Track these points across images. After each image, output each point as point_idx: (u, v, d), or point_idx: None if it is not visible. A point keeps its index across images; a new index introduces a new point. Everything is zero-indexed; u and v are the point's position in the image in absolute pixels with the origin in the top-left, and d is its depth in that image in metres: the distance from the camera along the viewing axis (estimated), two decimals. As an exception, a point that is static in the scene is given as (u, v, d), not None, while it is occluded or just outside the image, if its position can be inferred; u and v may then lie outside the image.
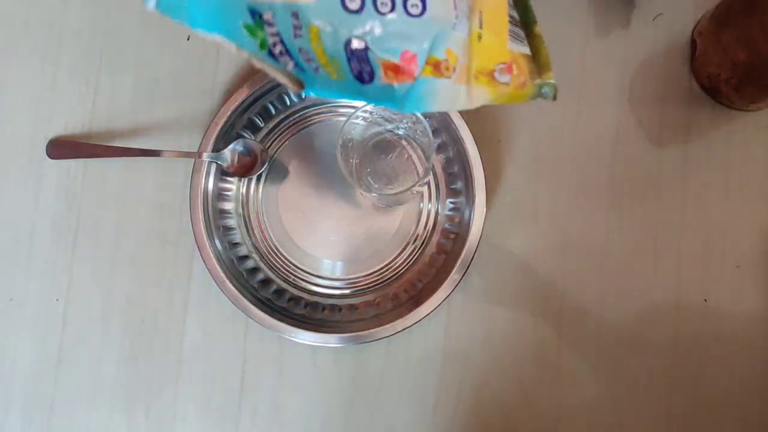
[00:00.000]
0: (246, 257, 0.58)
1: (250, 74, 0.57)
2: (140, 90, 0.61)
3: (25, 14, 0.62)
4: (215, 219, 0.57)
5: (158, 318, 0.58)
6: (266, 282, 0.58)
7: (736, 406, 0.55)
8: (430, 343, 0.56)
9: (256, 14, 0.33)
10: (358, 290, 0.58)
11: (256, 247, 0.58)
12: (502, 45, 0.38)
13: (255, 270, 0.58)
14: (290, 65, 0.35)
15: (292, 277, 0.58)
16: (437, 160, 0.58)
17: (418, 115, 0.51)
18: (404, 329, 0.53)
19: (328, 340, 0.54)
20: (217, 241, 0.56)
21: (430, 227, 0.58)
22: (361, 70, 0.35)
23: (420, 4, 0.35)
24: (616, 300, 0.56)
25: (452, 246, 0.56)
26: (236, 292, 0.54)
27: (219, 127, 0.56)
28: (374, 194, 0.54)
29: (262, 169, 0.57)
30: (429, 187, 0.58)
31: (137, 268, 0.59)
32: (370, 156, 0.58)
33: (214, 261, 0.55)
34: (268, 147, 0.59)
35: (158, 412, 0.57)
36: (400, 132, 0.58)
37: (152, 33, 0.61)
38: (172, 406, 0.57)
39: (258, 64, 0.34)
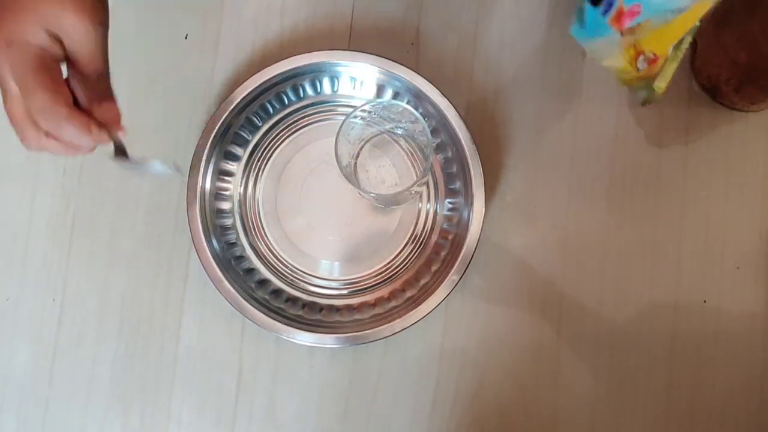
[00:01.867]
0: (243, 257, 0.58)
1: (248, 73, 0.57)
2: (137, 89, 0.60)
3: (23, 12, 0.62)
4: (212, 218, 0.57)
5: (154, 318, 0.58)
6: (263, 282, 0.57)
7: (735, 407, 0.55)
8: (428, 343, 0.56)
9: None
10: (356, 291, 0.57)
11: (253, 247, 0.58)
12: (670, 42, 0.41)
13: (252, 270, 0.57)
14: None
15: (290, 277, 0.58)
16: (436, 160, 0.58)
17: (417, 114, 0.51)
18: (402, 330, 0.53)
19: (326, 341, 0.54)
20: (214, 241, 0.56)
21: (429, 227, 0.58)
22: None
23: None
24: (616, 300, 0.56)
25: (451, 246, 0.56)
26: (233, 292, 0.54)
27: (217, 126, 0.56)
28: (372, 194, 0.53)
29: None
30: (428, 187, 0.58)
31: (133, 268, 0.58)
32: (369, 156, 0.58)
33: (211, 261, 0.54)
34: (266, 146, 0.59)
35: (153, 413, 0.57)
36: (399, 132, 0.57)
37: (149, 32, 0.61)
38: (168, 406, 0.57)
39: None
